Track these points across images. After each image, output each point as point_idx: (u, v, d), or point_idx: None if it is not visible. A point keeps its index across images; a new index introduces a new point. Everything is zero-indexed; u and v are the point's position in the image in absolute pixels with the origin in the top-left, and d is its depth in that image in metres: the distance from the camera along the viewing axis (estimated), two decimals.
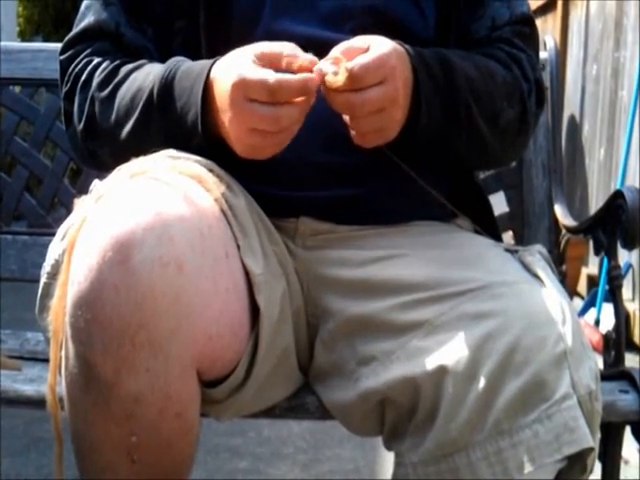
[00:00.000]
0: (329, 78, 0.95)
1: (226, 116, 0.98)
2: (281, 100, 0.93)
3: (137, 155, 0.97)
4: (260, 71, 0.95)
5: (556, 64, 1.70)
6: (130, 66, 1.11)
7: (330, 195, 1.10)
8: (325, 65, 0.96)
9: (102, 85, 1.10)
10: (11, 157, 1.71)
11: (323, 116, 1.00)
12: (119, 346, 0.84)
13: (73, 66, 1.15)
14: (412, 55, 1.02)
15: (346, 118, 1.00)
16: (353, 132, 1.01)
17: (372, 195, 1.11)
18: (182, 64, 1.05)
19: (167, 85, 1.04)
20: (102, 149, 1.12)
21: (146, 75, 1.07)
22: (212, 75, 1.01)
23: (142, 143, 1.05)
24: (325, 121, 1.02)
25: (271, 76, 0.93)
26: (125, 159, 0.98)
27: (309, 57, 0.96)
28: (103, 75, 1.11)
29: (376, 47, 0.97)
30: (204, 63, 1.03)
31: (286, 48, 0.97)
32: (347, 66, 0.94)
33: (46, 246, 1.01)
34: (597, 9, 4.24)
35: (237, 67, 0.96)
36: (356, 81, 0.94)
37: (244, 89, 0.95)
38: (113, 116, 1.09)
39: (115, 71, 1.11)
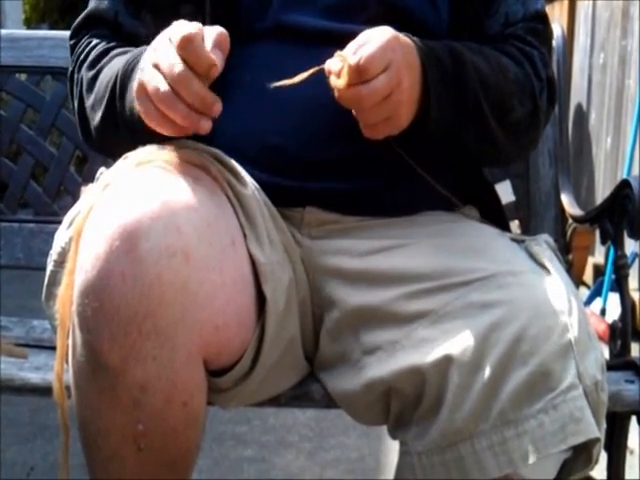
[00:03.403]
0: (332, 81, 0.96)
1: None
2: (186, 55, 0.91)
3: (110, 143, 0.98)
4: (155, 76, 0.93)
5: (563, 53, 1.69)
6: (118, 50, 1.12)
7: (336, 186, 1.09)
8: (332, 62, 0.96)
9: (90, 67, 1.13)
10: (17, 145, 1.71)
11: (330, 108, 1.00)
12: (126, 335, 0.84)
13: (77, 48, 1.18)
14: (421, 49, 1.01)
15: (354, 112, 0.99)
16: (362, 127, 1.00)
17: (378, 187, 1.11)
18: (145, 51, 1.04)
19: (127, 73, 1.04)
20: (91, 129, 1.14)
21: (120, 62, 1.08)
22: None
23: (113, 131, 1.07)
24: (332, 113, 1.02)
25: (162, 85, 0.92)
26: (105, 144, 1.00)
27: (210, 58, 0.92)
28: (93, 57, 1.13)
29: (377, 35, 0.96)
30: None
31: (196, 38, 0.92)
32: (350, 63, 0.93)
33: (52, 234, 1.01)
34: None
35: (147, 58, 0.97)
36: (363, 73, 0.93)
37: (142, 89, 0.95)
38: (93, 101, 1.11)
39: (104, 54, 1.13)
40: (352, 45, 0.96)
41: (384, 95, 0.95)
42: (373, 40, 0.95)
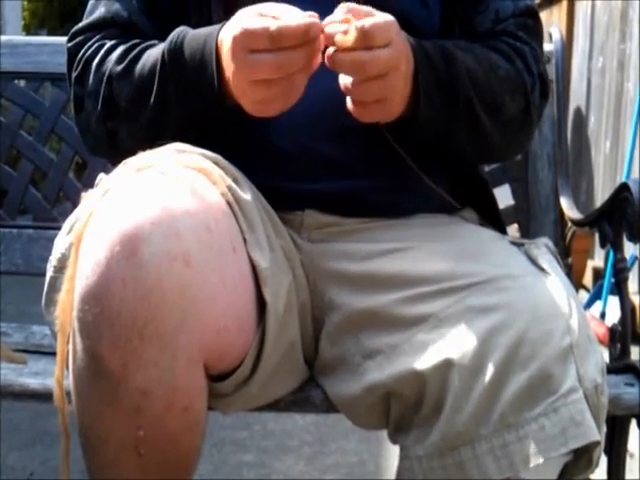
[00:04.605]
0: (338, 38, 0.93)
1: (230, 71, 0.97)
2: (283, 46, 0.92)
3: (156, 133, 0.96)
4: (260, 20, 0.93)
5: (562, 56, 1.69)
6: (144, 44, 1.10)
7: (335, 188, 1.10)
8: (333, 26, 0.94)
9: (118, 63, 1.09)
10: (16, 151, 1.71)
11: (327, 108, 1.00)
12: (127, 340, 0.84)
13: (83, 51, 1.14)
14: (415, 48, 1.01)
15: (346, 82, 0.97)
16: (354, 105, 0.98)
17: (376, 188, 1.11)
18: (188, 30, 1.05)
19: (177, 49, 1.03)
20: (122, 127, 1.11)
21: (159, 50, 1.06)
22: (220, 36, 1.00)
23: (162, 117, 1.05)
24: (329, 113, 1.02)
25: (272, 23, 0.92)
26: (145, 137, 0.97)
27: (307, 15, 0.94)
28: (119, 53, 1.10)
29: (380, 13, 0.96)
30: (212, 27, 1.03)
31: (284, 11, 0.95)
32: (357, 25, 0.92)
33: (51, 240, 1.01)
34: (603, 1, 4.23)
35: (238, 21, 0.96)
36: (369, 38, 0.92)
37: (244, 41, 0.94)
38: (132, 94, 1.08)
39: (130, 49, 1.10)
40: (348, 6, 0.95)
41: (384, 70, 0.95)
42: (378, 15, 0.95)
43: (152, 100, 1.06)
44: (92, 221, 0.88)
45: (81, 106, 1.14)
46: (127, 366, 0.85)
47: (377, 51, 0.93)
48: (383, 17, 0.95)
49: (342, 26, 0.93)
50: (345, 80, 0.97)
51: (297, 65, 0.93)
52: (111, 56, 1.11)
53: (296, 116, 1.02)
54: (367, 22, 0.93)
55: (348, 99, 0.98)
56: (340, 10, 0.95)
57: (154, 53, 1.07)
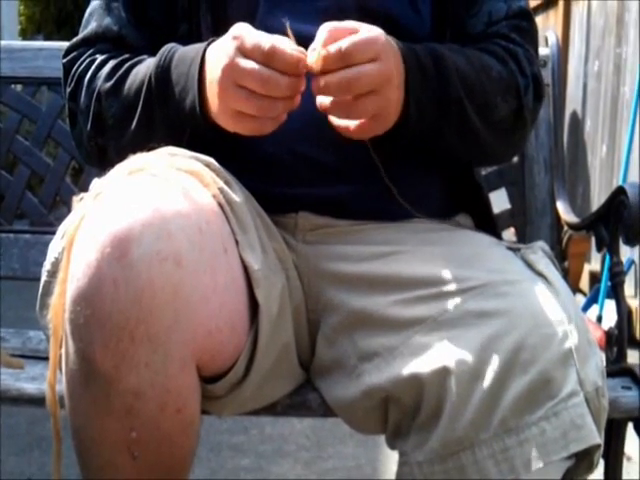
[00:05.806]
0: (308, 60, 0.95)
1: (213, 95, 0.99)
2: (272, 66, 0.94)
3: (142, 150, 0.98)
4: (253, 46, 0.95)
5: (558, 60, 1.69)
6: (133, 61, 1.12)
7: (328, 191, 1.10)
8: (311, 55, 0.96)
9: (107, 80, 1.11)
10: (13, 156, 1.71)
11: (321, 116, 1.00)
12: (118, 341, 0.84)
13: (76, 67, 1.16)
14: (404, 51, 1.02)
15: (337, 108, 0.98)
16: (349, 124, 1.00)
17: (370, 194, 1.11)
18: (176, 50, 1.06)
19: (163, 73, 1.05)
20: (109, 144, 1.13)
21: (147, 67, 1.08)
22: (206, 58, 1.02)
23: (147, 135, 1.06)
24: (323, 121, 1.02)
25: (266, 42, 0.95)
26: (131, 154, 0.98)
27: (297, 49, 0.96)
28: (108, 70, 1.12)
29: (365, 29, 0.97)
30: (198, 47, 1.04)
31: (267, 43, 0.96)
32: (325, 50, 0.93)
33: (48, 245, 1.01)
34: (599, 5, 4.23)
35: (229, 52, 0.97)
36: (347, 58, 0.93)
37: (233, 74, 0.95)
38: (119, 112, 1.10)
39: (119, 66, 1.12)
40: (331, 25, 0.96)
41: (375, 85, 0.95)
42: (361, 32, 0.96)
43: (138, 120, 1.08)
44: (84, 224, 0.88)
45: (76, 120, 1.17)
46: (119, 367, 0.85)
47: (361, 67, 0.94)
48: (366, 33, 0.96)
49: (313, 53, 0.95)
50: (328, 100, 0.98)
51: (282, 93, 0.95)
52: (101, 72, 1.13)
53: (289, 124, 1.02)
54: (344, 43, 0.94)
55: (334, 119, 1.00)
56: (321, 32, 0.96)
57: (142, 71, 1.09)
